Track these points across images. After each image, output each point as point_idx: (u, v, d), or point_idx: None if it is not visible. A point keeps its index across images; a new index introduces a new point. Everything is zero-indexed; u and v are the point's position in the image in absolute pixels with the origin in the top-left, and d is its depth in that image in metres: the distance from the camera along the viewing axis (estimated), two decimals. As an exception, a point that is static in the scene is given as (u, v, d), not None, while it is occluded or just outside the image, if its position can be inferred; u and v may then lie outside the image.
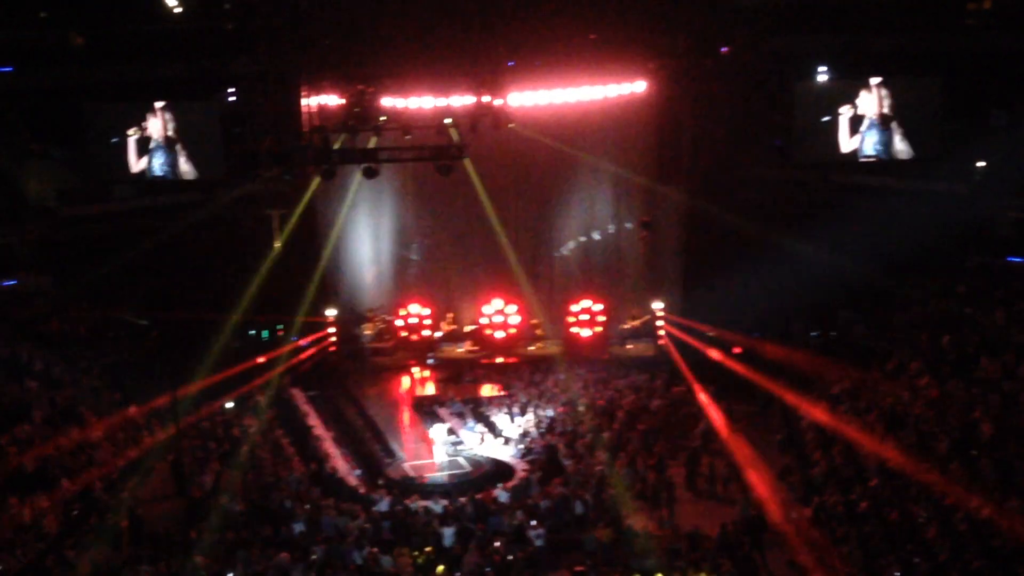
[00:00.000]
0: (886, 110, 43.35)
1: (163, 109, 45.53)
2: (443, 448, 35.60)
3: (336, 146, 37.19)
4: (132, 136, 45.72)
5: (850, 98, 43.62)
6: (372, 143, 38.37)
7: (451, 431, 37.10)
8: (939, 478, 26.57)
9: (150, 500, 32.34)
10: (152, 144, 45.79)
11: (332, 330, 45.94)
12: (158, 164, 46.14)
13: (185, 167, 45.89)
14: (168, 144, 45.71)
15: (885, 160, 43.85)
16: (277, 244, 45.51)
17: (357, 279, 47.67)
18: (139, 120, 45.58)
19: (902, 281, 41.81)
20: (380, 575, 26.55)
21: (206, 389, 38.99)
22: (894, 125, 43.30)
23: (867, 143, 43.60)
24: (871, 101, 43.41)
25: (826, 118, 43.78)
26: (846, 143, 43.60)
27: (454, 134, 37.74)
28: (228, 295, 42.95)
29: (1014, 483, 25.27)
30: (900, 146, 43.45)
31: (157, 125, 45.53)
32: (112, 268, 46.21)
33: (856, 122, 43.56)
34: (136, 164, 46.09)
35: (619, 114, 42.96)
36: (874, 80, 43.46)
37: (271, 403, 39.86)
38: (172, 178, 46.26)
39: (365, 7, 40.77)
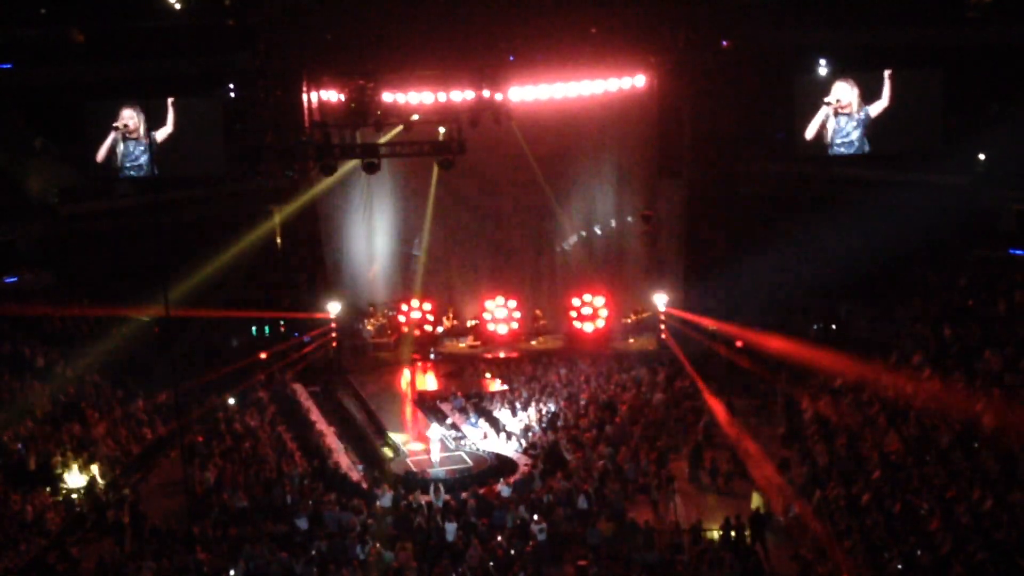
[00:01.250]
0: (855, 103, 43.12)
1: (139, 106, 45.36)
2: (445, 443, 35.61)
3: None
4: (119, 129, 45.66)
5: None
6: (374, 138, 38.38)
7: (453, 426, 37.13)
8: (941, 471, 26.61)
9: (153, 496, 32.43)
10: (126, 139, 45.70)
11: (333, 326, 45.87)
12: (129, 159, 46.09)
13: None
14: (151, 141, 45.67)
15: (857, 155, 43.56)
16: (278, 240, 45.58)
17: (358, 275, 47.64)
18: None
19: (904, 274, 41.81)
20: (383, 570, 26.57)
21: (208, 385, 39.12)
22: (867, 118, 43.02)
23: (841, 136, 43.19)
24: (849, 93, 43.14)
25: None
26: (811, 130, 43.12)
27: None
28: (228, 291, 43.03)
29: (1016, 476, 25.29)
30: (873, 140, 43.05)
31: (134, 119, 45.37)
32: (113, 264, 46.28)
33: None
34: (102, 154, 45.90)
35: (620, 108, 42.87)
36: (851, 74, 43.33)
37: (273, 399, 39.98)
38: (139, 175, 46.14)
39: (365, 2, 40.77)
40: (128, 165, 45.37)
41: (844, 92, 41.91)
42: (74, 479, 31.65)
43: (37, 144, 49.74)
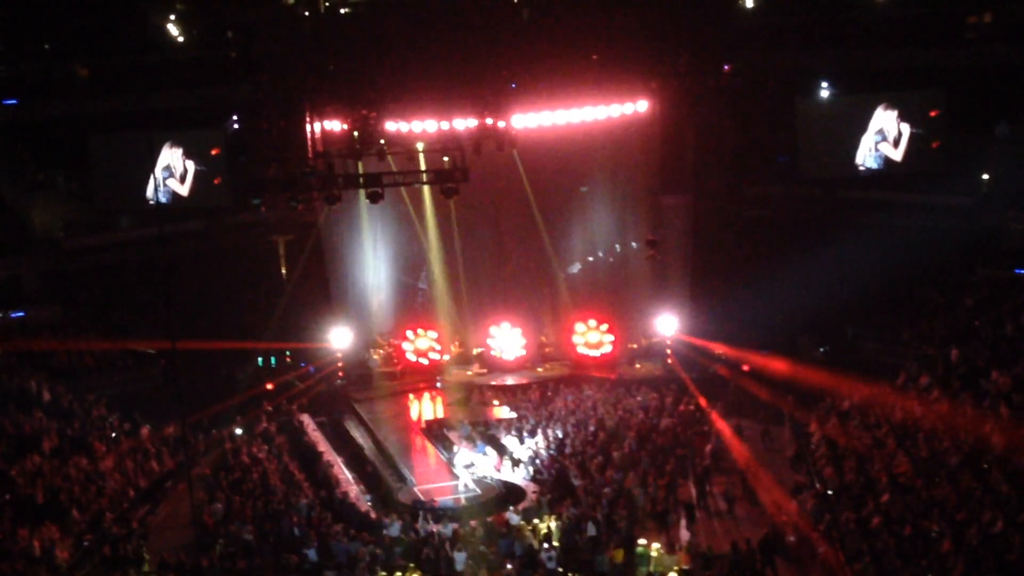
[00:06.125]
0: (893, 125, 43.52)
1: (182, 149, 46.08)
2: (453, 471, 35.57)
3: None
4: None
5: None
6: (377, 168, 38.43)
7: (461, 454, 37.05)
8: (951, 492, 26.49)
9: (161, 529, 32.35)
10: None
11: (339, 356, 45.87)
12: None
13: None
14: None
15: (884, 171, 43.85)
16: (283, 271, 45.60)
17: (364, 304, 47.62)
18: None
19: (910, 295, 41.78)
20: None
21: (215, 417, 39.11)
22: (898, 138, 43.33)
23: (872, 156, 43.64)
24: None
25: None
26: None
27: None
28: (235, 323, 43.00)
29: (1027, 496, 25.19)
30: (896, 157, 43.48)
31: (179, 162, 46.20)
32: (118, 298, 46.37)
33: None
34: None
35: (622, 134, 42.87)
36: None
37: (280, 429, 39.94)
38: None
39: (367, 32, 40.92)
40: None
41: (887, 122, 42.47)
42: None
43: (40, 178, 49.98)
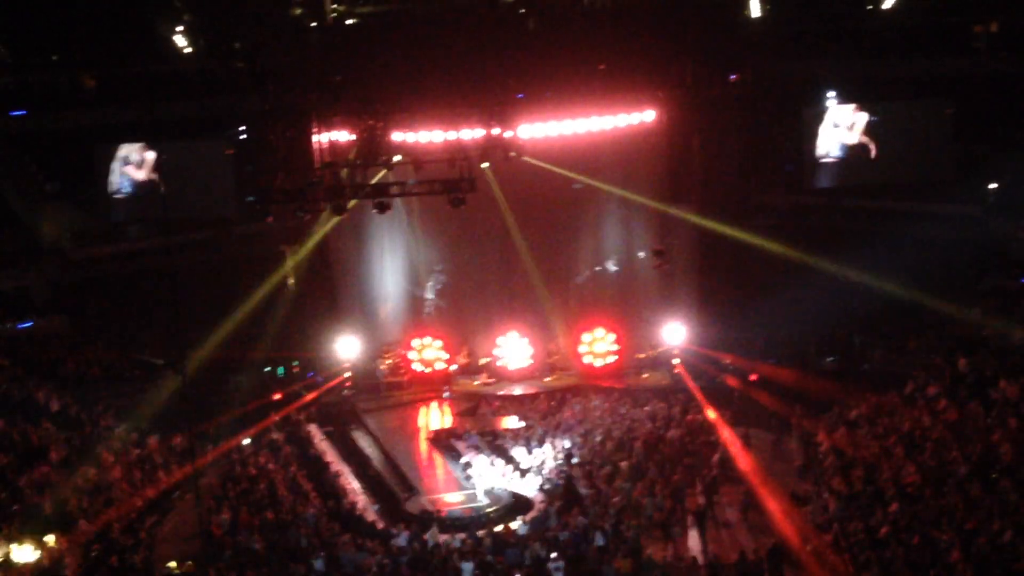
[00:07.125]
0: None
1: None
2: (461, 481, 35.53)
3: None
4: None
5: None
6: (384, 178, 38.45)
7: (469, 464, 37.03)
8: (960, 502, 26.43)
9: (168, 540, 32.33)
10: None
11: (347, 365, 45.91)
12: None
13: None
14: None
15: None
16: (291, 281, 45.61)
17: (372, 314, 47.64)
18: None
19: (917, 304, 41.72)
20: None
21: (223, 427, 39.10)
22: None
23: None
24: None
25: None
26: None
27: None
28: (242, 333, 42.99)
29: (1036, 505, 25.14)
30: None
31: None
32: (126, 308, 46.42)
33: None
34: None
35: (629, 143, 42.88)
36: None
37: (288, 439, 39.90)
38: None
39: (373, 42, 40.97)
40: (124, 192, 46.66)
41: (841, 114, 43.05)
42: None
43: (48, 188, 50.09)
